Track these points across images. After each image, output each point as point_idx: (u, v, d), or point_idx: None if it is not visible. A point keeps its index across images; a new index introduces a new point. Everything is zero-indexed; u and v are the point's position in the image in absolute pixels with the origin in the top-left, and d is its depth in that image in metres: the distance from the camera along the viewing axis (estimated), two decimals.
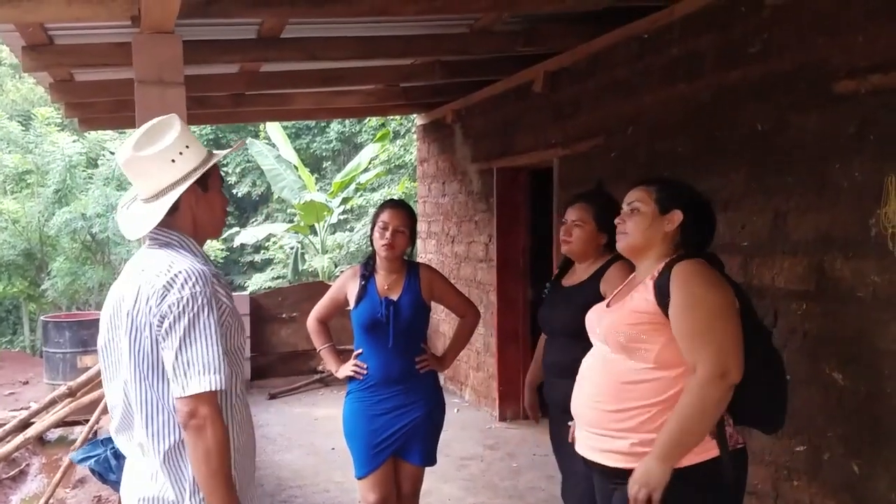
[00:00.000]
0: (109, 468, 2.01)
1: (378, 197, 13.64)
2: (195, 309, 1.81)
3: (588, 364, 2.37)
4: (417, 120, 8.12)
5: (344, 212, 14.10)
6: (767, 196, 3.36)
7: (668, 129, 4.06)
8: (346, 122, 15.67)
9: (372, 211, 13.56)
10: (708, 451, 2.14)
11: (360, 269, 3.33)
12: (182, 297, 1.81)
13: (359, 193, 13.60)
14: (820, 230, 3.09)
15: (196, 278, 1.85)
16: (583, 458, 2.33)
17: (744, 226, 3.51)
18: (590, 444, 2.30)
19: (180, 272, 1.85)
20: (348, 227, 14.66)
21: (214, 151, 2.07)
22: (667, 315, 2.15)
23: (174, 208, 1.95)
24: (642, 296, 2.22)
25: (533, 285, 6.28)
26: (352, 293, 3.27)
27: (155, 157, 1.93)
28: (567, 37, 4.74)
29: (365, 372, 3.22)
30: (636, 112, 4.36)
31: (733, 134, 3.58)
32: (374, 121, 14.58)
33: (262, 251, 15.89)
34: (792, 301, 3.22)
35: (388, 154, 13.46)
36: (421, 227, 7.54)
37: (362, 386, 3.23)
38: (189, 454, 1.83)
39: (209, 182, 2.04)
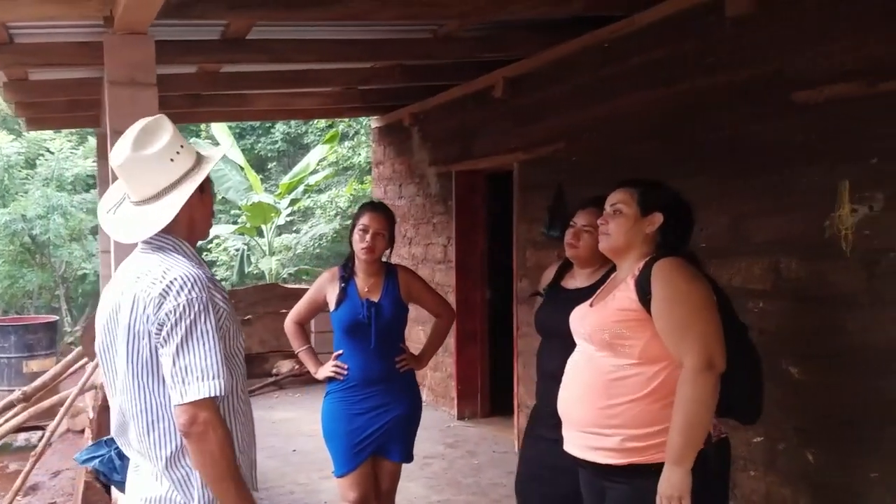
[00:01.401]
0: (114, 468, 2.00)
1: (325, 199, 13.55)
2: (192, 315, 1.80)
3: (573, 364, 2.42)
4: (372, 122, 8.13)
5: (290, 213, 13.99)
6: (727, 200, 3.51)
7: (629, 134, 4.19)
8: (292, 122, 15.49)
9: (319, 213, 13.64)
10: None
11: (338, 271, 3.34)
12: (179, 304, 1.80)
13: (307, 195, 13.52)
14: (777, 233, 3.26)
15: (192, 284, 1.83)
16: (572, 456, 2.38)
17: (703, 228, 3.65)
18: (579, 442, 2.34)
19: (176, 278, 1.83)
20: (294, 228, 14.53)
21: (201, 152, 2.04)
22: (649, 311, 2.21)
23: None
24: (624, 294, 2.29)
25: (491, 287, 6.41)
26: (332, 296, 3.29)
27: (155, 157, 1.90)
28: (530, 44, 4.84)
29: (346, 373, 3.25)
30: (597, 118, 4.48)
31: (693, 140, 3.72)
32: (321, 122, 14.50)
33: (204, 253, 15.59)
34: (748, 300, 3.37)
35: (337, 156, 13.42)
36: None
37: (342, 387, 3.26)
38: (193, 461, 1.81)
39: (204, 183, 2.01)
